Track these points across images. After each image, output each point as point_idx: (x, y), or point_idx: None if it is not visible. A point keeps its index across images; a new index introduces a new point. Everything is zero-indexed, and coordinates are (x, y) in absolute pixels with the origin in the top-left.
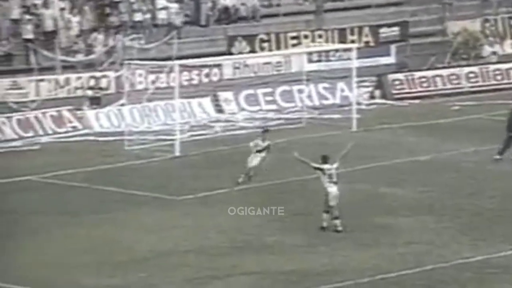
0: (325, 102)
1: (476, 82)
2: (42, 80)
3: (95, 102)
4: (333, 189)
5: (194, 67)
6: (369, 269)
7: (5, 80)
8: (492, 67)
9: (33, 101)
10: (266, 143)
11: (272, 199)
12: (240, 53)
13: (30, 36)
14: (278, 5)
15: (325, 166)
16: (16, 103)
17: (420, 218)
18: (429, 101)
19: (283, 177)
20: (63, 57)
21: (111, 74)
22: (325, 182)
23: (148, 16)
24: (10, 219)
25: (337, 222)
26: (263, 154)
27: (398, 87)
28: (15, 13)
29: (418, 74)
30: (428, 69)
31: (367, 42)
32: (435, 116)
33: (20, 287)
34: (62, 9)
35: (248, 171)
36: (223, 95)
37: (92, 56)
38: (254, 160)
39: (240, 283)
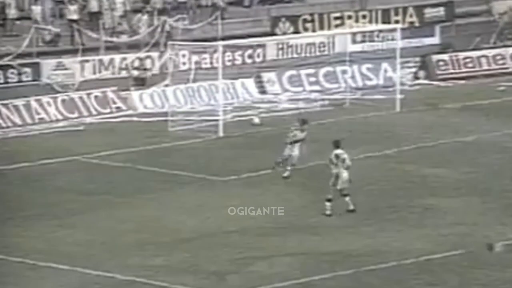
0: (368, 83)
1: None
2: (86, 61)
3: (140, 83)
4: (345, 174)
5: (237, 47)
6: (413, 250)
7: (50, 61)
8: None
9: (74, 84)
10: (303, 134)
11: (315, 180)
12: (284, 33)
13: (74, 17)
14: None
15: (339, 151)
16: (61, 84)
17: (464, 199)
18: (473, 81)
19: (326, 158)
20: (108, 38)
21: (155, 55)
22: (339, 167)
23: None
24: (55, 199)
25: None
26: (299, 143)
27: (442, 67)
28: None
29: (463, 54)
30: (473, 49)
31: (411, 23)
32: (479, 97)
33: (66, 266)
34: None
35: (291, 163)
36: (266, 75)
37: (136, 37)
38: (294, 151)
39: (283, 264)
